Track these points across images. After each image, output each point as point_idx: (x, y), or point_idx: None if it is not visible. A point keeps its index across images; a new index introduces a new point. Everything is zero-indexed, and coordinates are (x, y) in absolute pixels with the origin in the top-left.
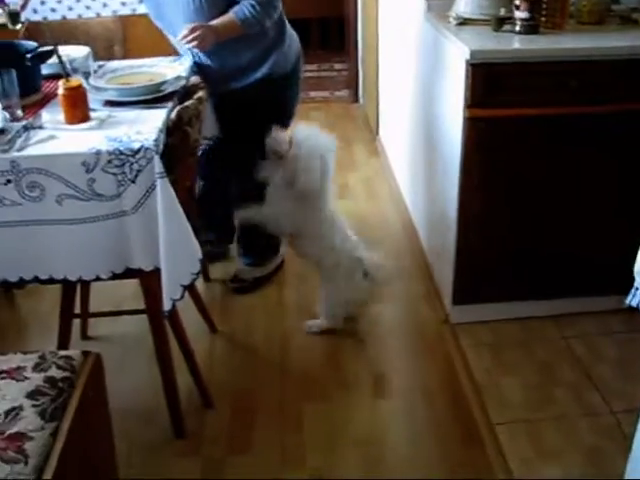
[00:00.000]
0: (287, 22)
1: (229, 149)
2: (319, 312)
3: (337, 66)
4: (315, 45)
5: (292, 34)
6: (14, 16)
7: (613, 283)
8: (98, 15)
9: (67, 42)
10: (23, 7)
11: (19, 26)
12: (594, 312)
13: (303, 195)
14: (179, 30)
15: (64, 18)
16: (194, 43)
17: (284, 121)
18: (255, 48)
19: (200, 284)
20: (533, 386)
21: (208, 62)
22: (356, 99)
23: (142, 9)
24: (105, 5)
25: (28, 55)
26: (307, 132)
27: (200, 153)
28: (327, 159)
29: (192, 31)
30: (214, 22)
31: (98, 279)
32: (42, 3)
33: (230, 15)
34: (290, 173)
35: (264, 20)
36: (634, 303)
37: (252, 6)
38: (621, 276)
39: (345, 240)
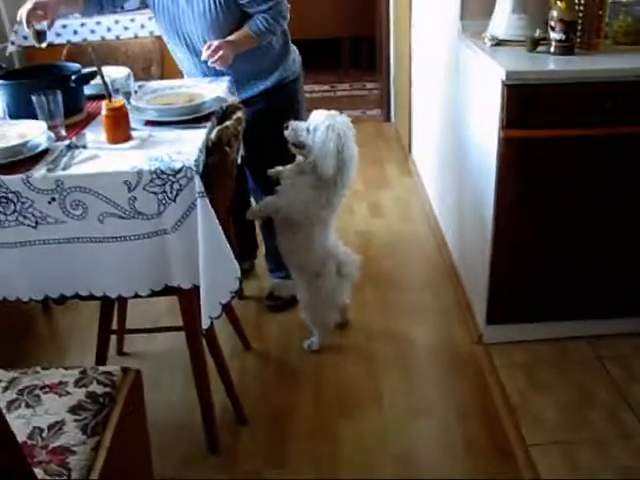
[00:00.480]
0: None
1: (250, 163)
2: (309, 327)
3: (369, 85)
4: (347, 64)
5: (290, 43)
6: (40, 35)
7: None
8: (136, 36)
9: (107, 63)
10: (50, 26)
11: (44, 44)
12: (629, 333)
13: (320, 180)
14: (195, 45)
15: (103, 39)
16: (217, 62)
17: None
18: (265, 57)
19: (234, 301)
20: (567, 407)
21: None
22: (388, 118)
23: None
24: (143, 26)
25: (73, 77)
26: (323, 116)
27: None
28: (345, 140)
29: (214, 50)
30: (231, 37)
31: (137, 296)
32: (82, 25)
33: (245, 29)
34: (307, 159)
35: (276, 30)
36: None
37: (265, 19)
38: None
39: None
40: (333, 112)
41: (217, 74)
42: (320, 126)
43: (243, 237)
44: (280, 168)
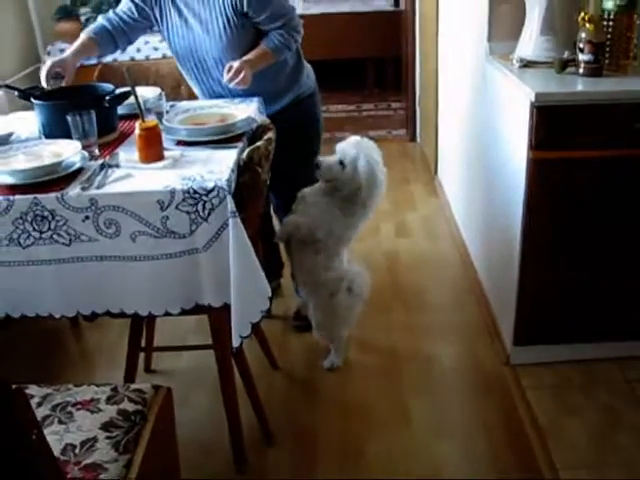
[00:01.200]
0: None
1: (274, 180)
2: (325, 345)
3: (394, 105)
4: (371, 84)
5: (303, 59)
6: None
7: None
8: (164, 56)
9: (139, 83)
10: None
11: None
12: None
13: (347, 202)
14: (211, 69)
15: (132, 59)
16: (240, 83)
17: (317, 142)
18: (279, 75)
19: (262, 321)
20: (596, 430)
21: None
22: (413, 138)
23: None
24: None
25: (107, 97)
26: (352, 147)
27: None
28: (375, 165)
29: (236, 72)
30: (249, 56)
31: (167, 314)
32: None
33: (262, 47)
34: (341, 191)
35: (292, 46)
36: None
37: (281, 35)
38: None
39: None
40: (357, 139)
41: (233, 96)
42: (357, 159)
43: (268, 256)
44: (303, 192)
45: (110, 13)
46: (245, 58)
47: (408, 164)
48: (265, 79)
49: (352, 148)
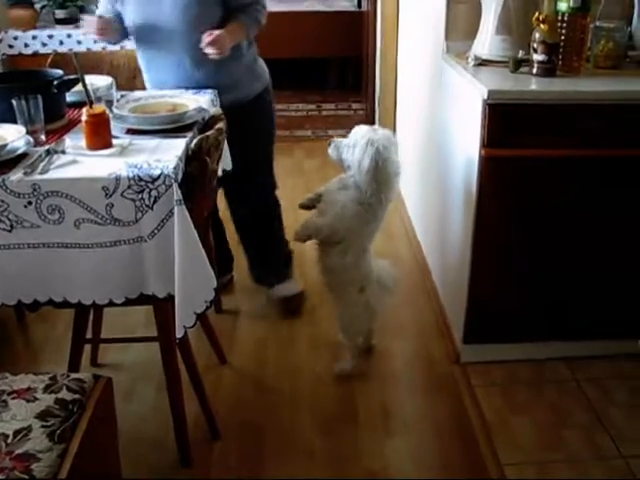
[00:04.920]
0: None
1: (242, 174)
2: (343, 347)
3: (354, 105)
4: (333, 84)
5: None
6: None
7: (627, 327)
8: (122, 48)
9: (91, 72)
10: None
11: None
12: (607, 355)
13: (364, 195)
14: (172, 42)
15: (89, 50)
16: (217, 49)
17: (273, 137)
18: (237, 65)
19: (212, 315)
20: (543, 427)
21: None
22: None
23: None
24: (129, 38)
25: (54, 82)
26: (364, 131)
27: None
28: (387, 155)
29: (215, 38)
30: (227, 28)
31: (112, 304)
32: (68, 36)
33: (236, 21)
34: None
35: (262, 21)
36: None
37: (252, 10)
38: (635, 320)
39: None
40: (375, 127)
41: (194, 86)
42: (360, 141)
43: (217, 249)
44: (322, 188)
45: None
46: (225, 29)
47: None
48: (221, 69)
49: (363, 132)
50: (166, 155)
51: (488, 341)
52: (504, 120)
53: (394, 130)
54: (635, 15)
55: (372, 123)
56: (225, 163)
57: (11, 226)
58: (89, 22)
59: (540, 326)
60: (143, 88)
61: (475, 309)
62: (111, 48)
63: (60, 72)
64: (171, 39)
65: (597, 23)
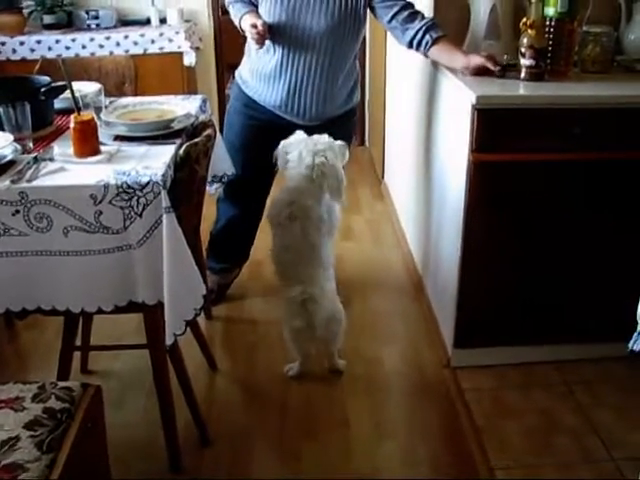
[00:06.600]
0: None
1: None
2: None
3: None
4: None
5: None
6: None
7: (616, 330)
8: (111, 53)
9: (79, 78)
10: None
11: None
12: (596, 358)
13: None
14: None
15: (77, 56)
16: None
17: None
18: (352, 75)
19: (202, 322)
20: (533, 431)
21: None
22: (362, 142)
23: (153, 49)
24: (118, 44)
25: (42, 89)
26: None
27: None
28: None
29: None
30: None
31: (101, 311)
32: (57, 42)
33: (444, 41)
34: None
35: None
36: (637, 348)
37: (416, 16)
38: (624, 323)
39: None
40: (304, 136)
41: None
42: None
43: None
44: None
45: None
46: (465, 54)
47: (356, 168)
48: (350, 75)
49: (298, 143)
50: (154, 162)
51: (478, 345)
52: (493, 125)
53: (383, 134)
54: (622, 19)
55: (362, 127)
56: (227, 167)
57: None
58: (258, 28)
59: (530, 330)
60: (133, 95)
61: (465, 314)
62: (100, 54)
63: (48, 79)
64: (308, 41)
65: (585, 28)
